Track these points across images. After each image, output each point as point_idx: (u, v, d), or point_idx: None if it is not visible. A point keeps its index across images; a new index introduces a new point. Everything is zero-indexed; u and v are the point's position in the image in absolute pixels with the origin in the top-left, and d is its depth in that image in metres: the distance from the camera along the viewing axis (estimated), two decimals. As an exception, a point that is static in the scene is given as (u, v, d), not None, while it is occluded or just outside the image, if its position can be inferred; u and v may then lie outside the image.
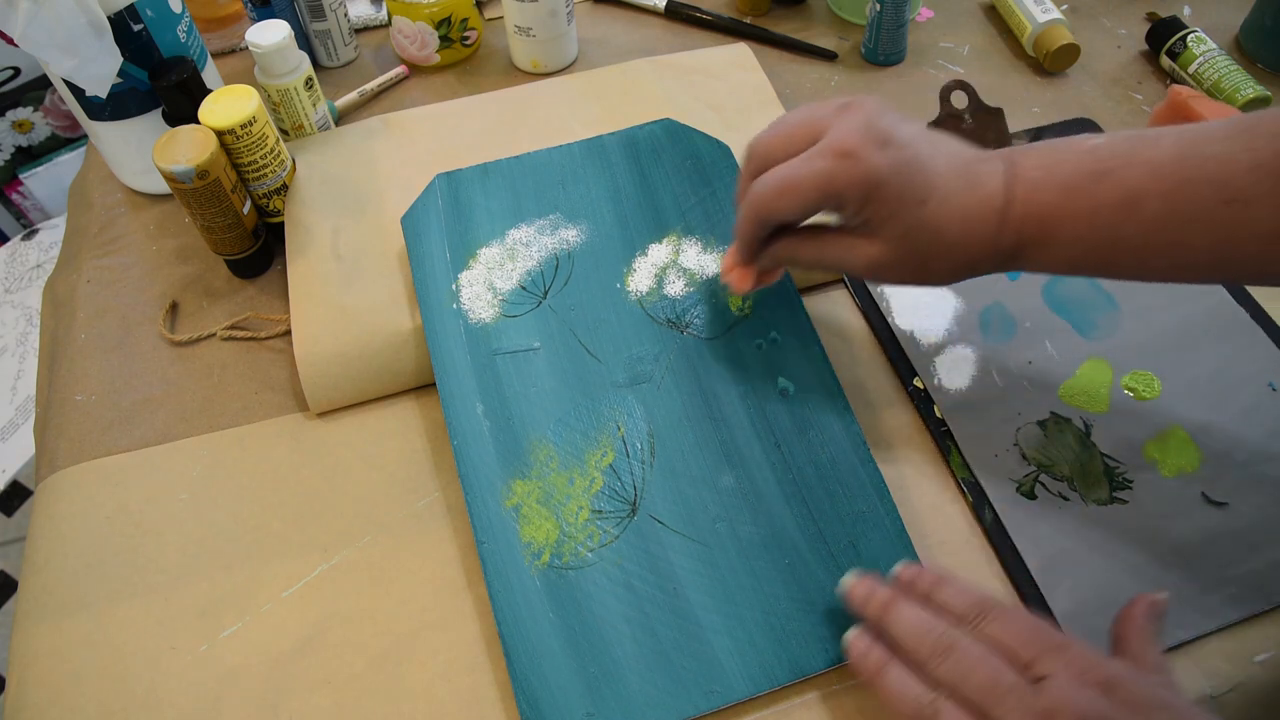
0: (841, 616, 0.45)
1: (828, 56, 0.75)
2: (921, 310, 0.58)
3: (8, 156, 1.24)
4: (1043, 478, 0.51)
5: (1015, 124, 0.68)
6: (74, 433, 0.55)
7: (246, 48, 0.64)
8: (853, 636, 0.42)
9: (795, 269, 0.55)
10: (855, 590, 0.43)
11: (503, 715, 0.44)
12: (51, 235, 1.24)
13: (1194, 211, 0.38)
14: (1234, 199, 0.37)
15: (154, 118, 0.62)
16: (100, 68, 0.55)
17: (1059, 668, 0.36)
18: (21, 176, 1.25)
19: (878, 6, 0.70)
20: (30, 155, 1.26)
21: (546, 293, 0.54)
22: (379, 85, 0.73)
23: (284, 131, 0.65)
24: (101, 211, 0.67)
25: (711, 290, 0.54)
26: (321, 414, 0.55)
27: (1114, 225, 0.40)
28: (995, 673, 0.37)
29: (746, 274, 0.48)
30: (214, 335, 0.59)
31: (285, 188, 0.60)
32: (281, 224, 0.60)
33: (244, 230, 0.59)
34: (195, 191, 0.54)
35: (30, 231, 1.25)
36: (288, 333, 0.58)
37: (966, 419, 0.53)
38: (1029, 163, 0.42)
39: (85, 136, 1.06)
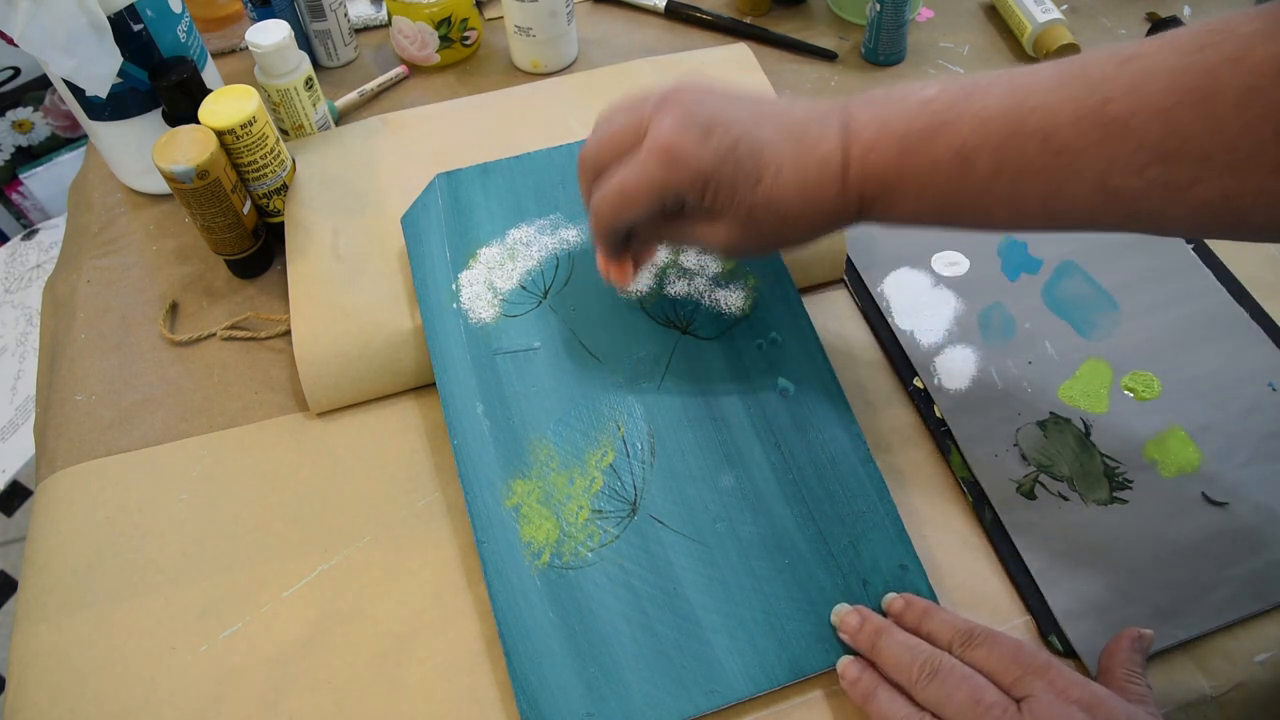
0: (841, 616, 0.45)
1: (828, 56, 0.75)
2: (921, 310, 0.58)
3: (8, 156, 1.24)
4: (1043, 478, 0.51)
5: (1015, 124, 0.68)
6: (74, 433, 0.55)
7: (246, 48, 0.64)
8: (845, 663, 0.43)
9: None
10: (847, 620, 0.44)
11: (503, 715, 0.44)
12: (51, 235, 1.24)
13: (1024, 164, 0.38)
14: (1060, 150, 0.37)
15: (154, 118, 0.62)
16: (100, 68, 0.55)
17: (1040, 688, 0.38)
18: (21, 176, 1.25)
19: (878, 6, 0.70)
20: (30, 155, 1.26)
21: (547, 292, 0.54)
22: (379, 85, 0.73)
23: (284, 131, 0.65)
24: (101, 211, 0.67)
25: (711, 290, 0.54)
26: (321, 414, 0.55)
27: (950, 181, 0.40)
28: (978, 692, 0.38)
29: (623, 269, 0.49)
30: (214, 335, 0.59)
31: (285, 188, 0.60)
32: (281, 224, 0.60)
33: (244, 230, 0.59)
34: (195, 191, 0.54)
35: (30, 231, 1.25)
36: (288, 333, 0.58)
37: (966, 419, 0.53)
38: (863, 118, 0.41)
39: (85, 136, 1.06)
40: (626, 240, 0.47)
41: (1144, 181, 0.36)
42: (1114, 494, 0.50)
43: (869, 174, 0.41)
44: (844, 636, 0.44)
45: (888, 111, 0.41)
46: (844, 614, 0.44)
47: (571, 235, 0.56)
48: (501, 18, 0.77)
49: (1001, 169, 0.38)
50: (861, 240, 0.61)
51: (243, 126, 0.55)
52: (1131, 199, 0.37)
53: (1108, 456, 0.51)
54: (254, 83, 0.62)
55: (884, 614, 0.45)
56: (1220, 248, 0.60)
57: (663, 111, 0.42)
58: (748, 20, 0.78)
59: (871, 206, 0.42)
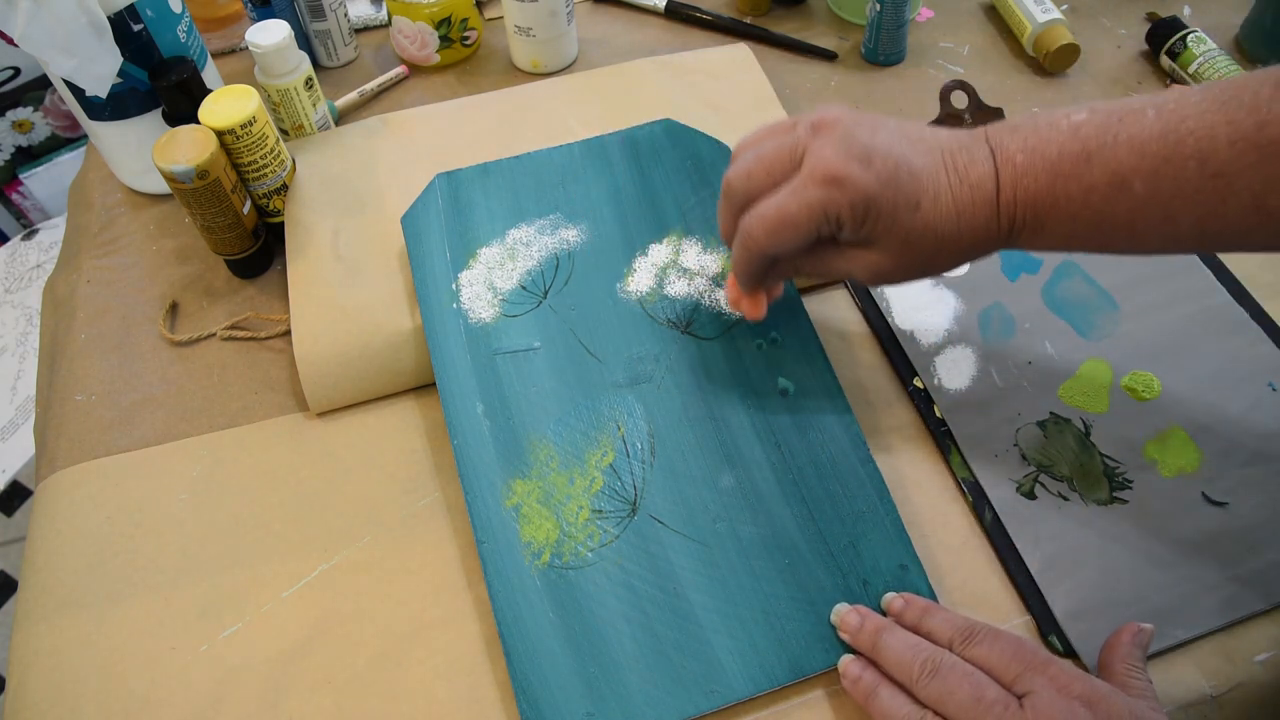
0: (841, 616, 0.45)
1: (828, 56, 0.75)
2: (921, 310, 0.58)
3: (8, 156, 1.24)
4: (1043, 478, 0.51)
5: (1015, 124, 0.68)
6: (74, 433, 0.55)
7: (246, 48, 0.64)
8: (846, 662, 0.43)
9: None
10: (847, 619, 0.44)
11: (503, 715, 0.44)
12: (51, 235, 1.24)
13: (1179, 187, 0.39)
14: (1218, 173, 0.38)
15: (154, 118, 0.62)
16: (100, 68, 0.55)
17: (1041, 684, 0.38)
18: (21, 176, 1.25)
19: (878, 6, 0.70)
20: (30, 155, 1.26)
21: (547, 292, 0.54)
22: (379, 85, 0.73)
23: (284, 131, 0.65)
24: (101, 211, 0.67)
25: (711, 290, 0.54)
26: (321, 414, 0.55)
27: (1104, 206, 0.40)
28: (979, 689, 0.38)
29: (756, 302, 0.49)
30: (214, 335, 0.59)
31: (285, 188, 0.60)
32: (281, 224, 0.60)
33: (244, 230, 0.59)
34: (195, 191, 0.54)
35: (30, 231, 1.25)
36: (288, 333, 0.58)
37: (966, 419, 0.53)
38: (1013, 146, 0.42)
39: (85, 136, 1.06)
40: (767, 270, 0.47)
41: None
42: (1114, 494, 0.50)
43: (1022, 200, 0.41)
44: (844, 636, 0.44)
45: (1037, 138, 0.41)
46: (844, 613, 0.44)
47: (571, 235, 0.56)
48: (501, 18, 0.77)
49: (1157, 193, 0.39)
50: (861, 240, 0.61)
51: (243, 126, 0.55)
52: None
53: (1108, 456, 0.51)
54: (254, 83, 0.62)
55: (883, 613, 0.45)
56: (1220, 248, 0.60)
57: (821, 137, 0.42)
58: (748, 20, 0.78)
59: (1022, 232, 0.42)
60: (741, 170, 0.44)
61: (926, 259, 0.43)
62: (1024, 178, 0.41)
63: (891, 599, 0.45)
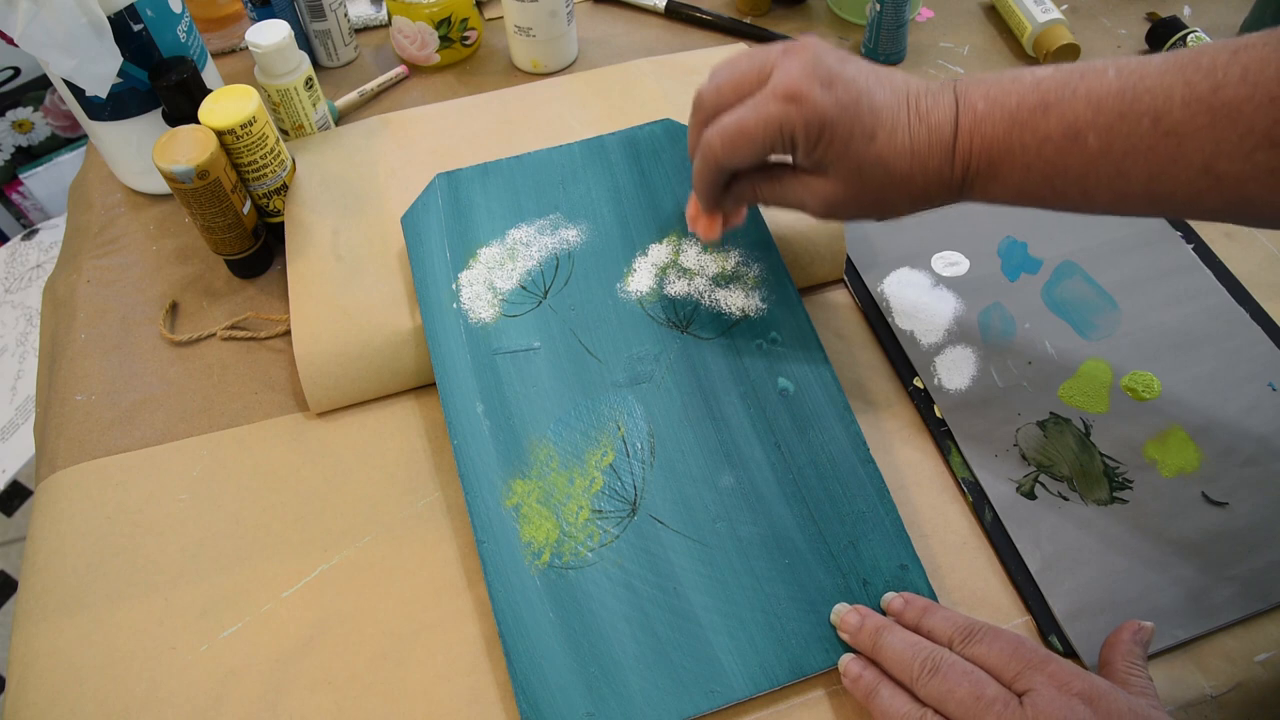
0: (841, 616, 0.45)
1: (828, 56, 0.75)
2: (921, 310, 0.58)
3: (8, 156, 1.24)
4: (1043, 478, 0.51)
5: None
6: (74, 433, 0.55)
7: (246, 48, 0.64)
8: (846, 661, 0.43)
9: (757, 206, 0.55)
10: (846, 619, 0.44)
11: (503, 715, 0.44)
12: (51, 235, 1.24)
13: (1132, 144, 0.39)
14: (1170, 131, 0.38)
15: (154, 118, 0.62)
16: (100, 68, 0.55)
17: (1041, 681, 0.38)
18: (21, 176, 1.25)
19: (878, 6, 0.70)
20: (30, 155, 1.26)
21: (547, 292, 0.54)
22: (379, 85, 0.73)
23: (284, 131, 0.65)
24: (101, 211, 0.67)
25: (711, 290, 0.54)
26: (321, 414, 0.55)
27: (1058, 157, 0.41)
28: (979, 687, 0.38)
29: (713, 222, 0.50)
30: (214, 335, 0.59)
31: (285, 188, 0.60)
32: (281, 224, 0.60)
33: (244, 230, 0.59)
34: (195, 191, 0.54)
35: (30, 231, 1.25)
36: (288, 333, 0.58)
37: (966, 419, 0.53)
38: (976, 94, 0.42)
39: (85, 136, 1.06)
40: (725, 190, 0.48)
41: (1250, 166, 0.37)
42: (1114, 494, 0.50)
43: (977, 146, 0.42)
44: (844, 636, 0.44)
45: (999, 89, 0.42)
46: (844, 613, 0.44)
47: (571, 235, 0.56)
48: (501, 18, 0.77)
49: (1110, 147, 0.39)
50: (861, 240, 0.61)
51: (243, 126, 0.55)
52: (1236, 183, 0.38)
53: (1108, 456, 0.51)
54: (254, 83, 0.62)
55: (883, 613, 0.45)
56: (1220, 248, 0.60)
57: (789, 57, 0.43)
58: (748, 20, 0.78)
59: (976, 179, 0.43)
60: (712, 85, 0.45)
61: (877, 194, 0.44)
62: (982, 124, 0.42)
63: (891, 599, 0.45)
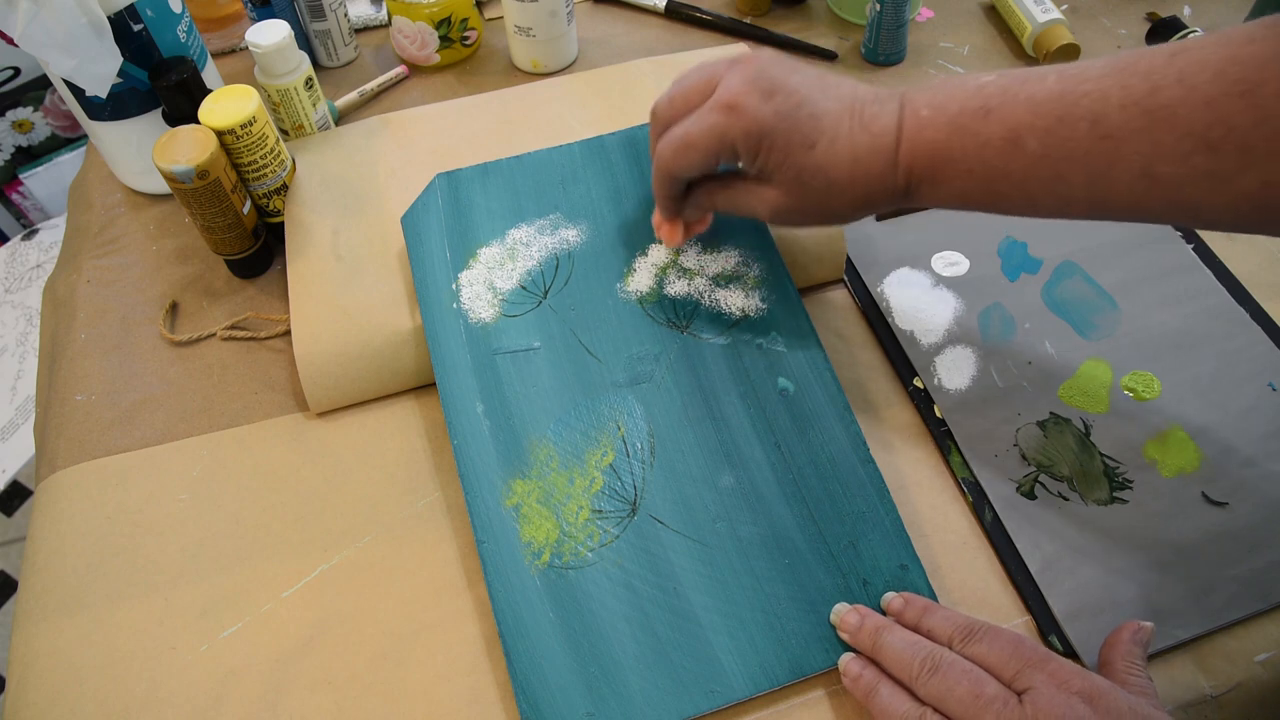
0: (841, 616, 0.45)
1: (828, 56, 0.75)
2: (921, 310, 0.58)
3: (8, 156, 1.24)
4: (1043, 478, 0.51)
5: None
6: (74, 433, 0.55)
7: (246, 48, 0.64)
8: (846, 660, 0.43)
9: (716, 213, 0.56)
10: (846, 619, 0.44)
11: (503, 715, 0.44)
12: (51, 235, 1.24)
13: (1071, 148, 0.39)
14: (1107, 135, 0.38)
15: (154, 118, 0.62)
16: (100, 68, 0.55)
17: (1041, 680, 0.38)
18: (21, 176, 1.25)
19: (878, 6, 0.70)
20: (30, 155, 1.26)
21: (547, 292, 0.54)
22: (379, 85, 0.73)
23: (284, 131, 0.65)
24: (101, 211, 0.67)
25: (711, 290, 0.54)
26: (321, 414, 0.55)
27: (999, 161, 0.41)
28: (979, 686, 0.39)
29: (674, 228, 0.52)
30: (214, 335, 0.59)
31: (285, 188, 0.60)
32: (281, 224, 0.60)
33: (244, 230, 0.59)
34: (195, 191, 0.54)
35: (30, 231, 1.25)
36: (288, 333, 0.58)
37: (966, 419, 0.53)
38: (920, 101, 0.43)
39: (85, 136, 1.06)
40: (682, 198, 0.50)
41: (1188, 169, 0.37)
42: (1114, 494, 0.50)
43: (919, 151, 0.42)
44: (844, 635, 0.44)
45: (943, 95, 0.42)
46: (843, 613, 0.44)
47: (571, 235, 0.56)
48: (501, 18, 0.77)
49: (1049, 151, 0.39)
50: (861, 240, 0.61)
51: (243, 126, 0.55)
52: (1174, 186, 0.38)
53: (1108, 456, 0.51)
54: (254, 83, 0.62)
55: (883, 613, 0.45)
56: (1220, 248, 0.60)
57: (733, 70, 0.44)
58: (748, 20, 0.78)
59: (919, 185, 0.43)
60: (665, 97, 0.47)
61: (819, 201, 0.45)
62: (924, 130, 0.42)
63: (891, 598, 0.45)
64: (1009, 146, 0.40)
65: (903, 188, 0.44)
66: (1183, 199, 0.38)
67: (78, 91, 0.59)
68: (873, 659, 0.43)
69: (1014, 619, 0.47)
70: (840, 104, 0.44)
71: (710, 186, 0.49)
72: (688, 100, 0.46)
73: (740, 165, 0.46)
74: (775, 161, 0.44)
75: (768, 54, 0.45)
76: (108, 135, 0.63)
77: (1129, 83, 0.38)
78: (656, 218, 0.52)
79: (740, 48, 0.70)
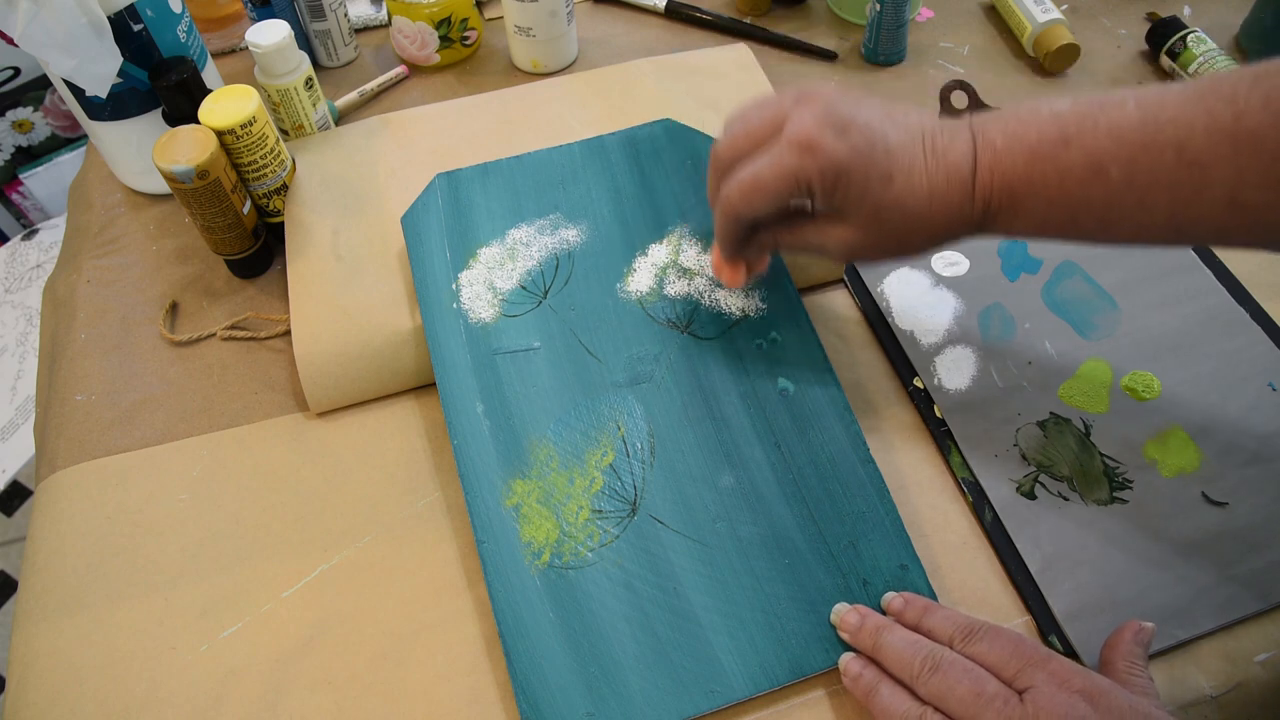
0: (841, 616, 0.45)
1: (828, 56, 0.75)
2: (921, 310, 0.58)
3: (8, 156, 1.24)
4: (1043, 478, 0.51)
5: (1015, 124, 0.68)
6: (74, 433, 0.55)
7: (246, 48, 0.64)
8: (846, 660, 0.43)
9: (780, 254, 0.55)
10: (846, 619, 0.44)
11: (503, 715, 0.44)
12: (51, 235, 1.24)
13: (1155, 176, 0.39)
14: (1193, 163, 0.38)
15: (154, 118, 0.62)
16: (100, 68, 0.55)
17: (1042, 678, 0.38)
18: (21, 176, 1.25)
19: (878, 6, 0.70)
20: (30, 155, 1.26)
21: (546, 292, 0.54)
22: (379, 85, 0.73)
23: (284, 131, 0.65)
24: (101, 211, 0.67)
25: (711, 290, 0.54)
26: (321, 414, 0.55)
27: (1079, 190, 0.40)
28: (979, 684, 0.38)
29: (736, 270, 0.50)
30: (214, 335, 0.59)
31: (285, 188, 0.60)
32: (281, 224, 0.60)
33: (244, 230, 0.59)
34: (195, 191, 0.54)
35: (30, 231, 1.25)
36: (288, 333, 0.58)
37: (966, 419, 0.53)
38: (994, 130, 0.42)
39: (85, 136, 1.06)
40: (747, 239, 0.48)
41: (1276, 195, 0.37)
42: (1114, 494, 0.50)
43: (998, 182, 0.42)
44: (844, 635, 0.44)
45: (1017, 124, 0.42)
46: (843, 613, 0.44)
47: (571, 235, 0.56)
48: (501, 18, 0.77)
49: (1133, 180, 0.39)
50: (861, 240, 0.61)
51: (243, 126, 0.55)
52: (1260, 212, 0.37)
53: (1108, 456, 0.51)
54: (254, 83, 0.62)
55: (883, 613, 0.45)
56: (1220, 248, 0.60)
57: (801, 106, 0.43)
58: (748, 20, 0.78)
59: (996, 216, 0.43)
60: (727, 138, 0.45)
61: (897, 236, 0.44)
62: (1002, 160, 0.41)
63: (891, 598, 0.45)
64: (1091, 175, 0.40)
65: (979, 218, 0.43)
66: (1268, 223, 0.38)
67: (78, 91, 0.59)
68: (873, 659, 0.43)
69: (1014, 619, 0.47)
70: (910, 135, 0.43)
71: (777, 229, 0.47)
72: (752, 139, 0.44)
73: (810, 204, 0.45)
74: (853, 199, 0.42)
75: (831, 89, 0.44)
76: (108, 135, 0.63)
77: (1213, 108, 0.37)
78: (716, 259, 0.50)
79: (740, 48, 0.70)
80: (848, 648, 0.44)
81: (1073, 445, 0.52)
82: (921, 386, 0.55)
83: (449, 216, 0.57)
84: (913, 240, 0.44)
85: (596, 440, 0.49)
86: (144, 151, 0.63)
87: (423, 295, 0.54)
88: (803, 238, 0.46)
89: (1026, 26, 0.73)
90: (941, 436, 0.53)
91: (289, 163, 0.61)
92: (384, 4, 0.79)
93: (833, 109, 0.42)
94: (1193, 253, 0.60)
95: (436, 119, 0.66)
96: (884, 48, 0.73)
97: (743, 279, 0.50)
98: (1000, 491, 0.50)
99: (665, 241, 0.56)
